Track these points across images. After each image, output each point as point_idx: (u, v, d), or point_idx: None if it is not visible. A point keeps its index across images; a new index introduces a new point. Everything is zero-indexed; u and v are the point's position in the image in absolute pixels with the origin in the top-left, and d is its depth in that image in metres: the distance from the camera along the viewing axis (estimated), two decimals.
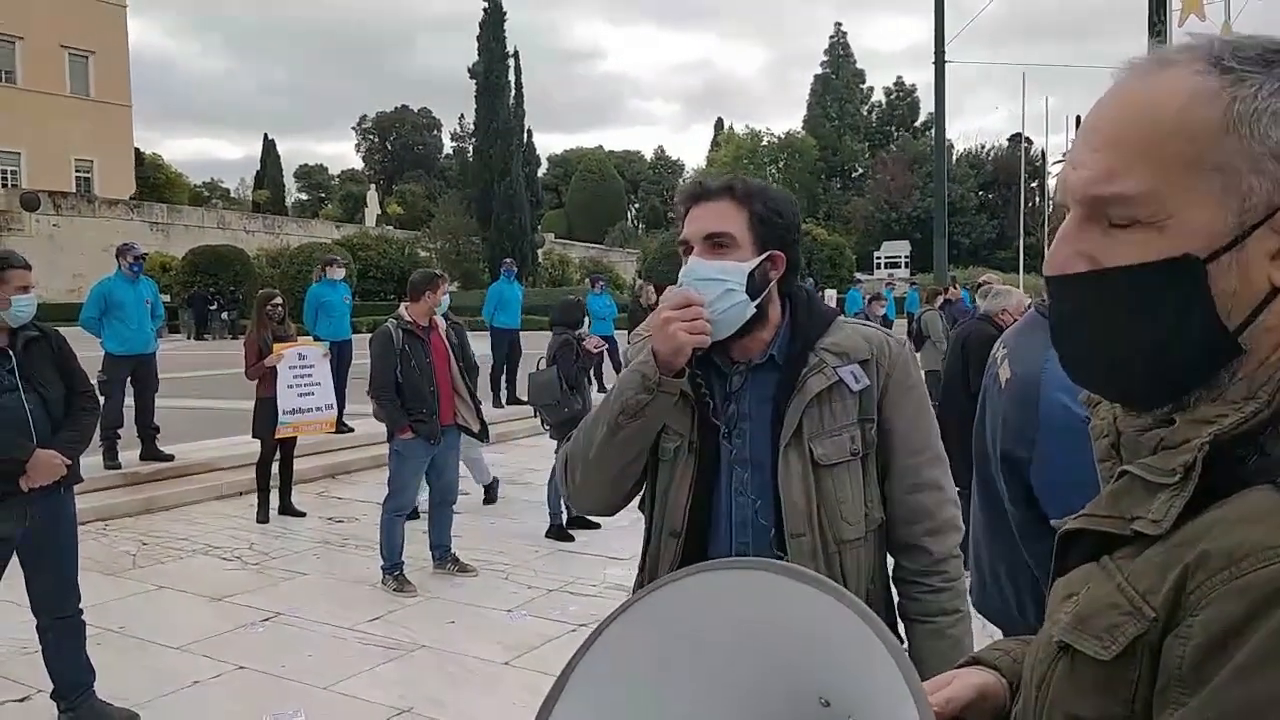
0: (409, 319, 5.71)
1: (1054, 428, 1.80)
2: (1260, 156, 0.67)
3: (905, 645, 1.76)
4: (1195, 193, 0.68)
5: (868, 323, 1.85)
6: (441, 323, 5.93)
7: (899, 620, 1.77)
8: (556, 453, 6.39)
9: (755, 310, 1.66)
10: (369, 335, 6.34)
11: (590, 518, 5.98)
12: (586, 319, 9.32)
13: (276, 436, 7.24)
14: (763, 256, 1.66)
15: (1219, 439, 0.68)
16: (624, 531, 5.84)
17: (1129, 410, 0.80)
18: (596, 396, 7.44)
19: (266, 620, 5.14)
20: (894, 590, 1.79)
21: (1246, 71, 0.68)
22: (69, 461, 3.62)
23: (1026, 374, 1.90)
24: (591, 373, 7.49)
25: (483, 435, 5.99)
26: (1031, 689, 0.78)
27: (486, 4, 46.71)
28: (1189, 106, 0.68)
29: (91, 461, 5.49)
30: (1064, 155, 0.80)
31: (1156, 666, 0.65)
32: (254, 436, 7.41)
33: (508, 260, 14.38)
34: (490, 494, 7.85)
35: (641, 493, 1.81)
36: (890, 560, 1.80)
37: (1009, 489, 1.93)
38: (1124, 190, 0.70)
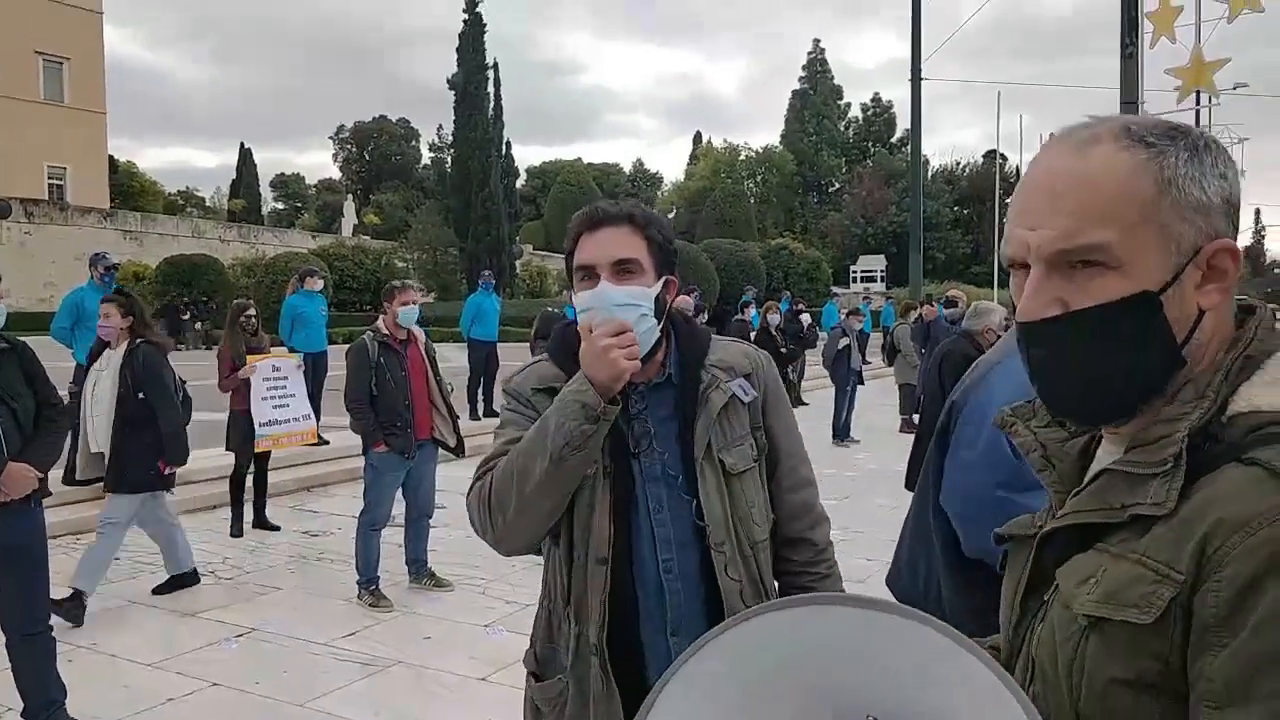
0: (385, 331, 5.69)
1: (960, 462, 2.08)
2: (1185, 210, 0.86)
3: None
4: (1144, 243, 0.86)
5: (736, 339, 1.95)
6: (421, 335, 5.91)
7: None
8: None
9: (659, 334, 1.73)
10: (345, 346, 6.31)
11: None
12: None
13: (256, 449, 7.18)
14: (662, 281, 1.74)
15: (1191, 431, 0.85)
16: None
17: (1084, 426, 0.98)
18: None
19: (240, 636, 5.09)
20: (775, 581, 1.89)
21: (1163, 145, 0.87)
22: (41, 475, 3.57)
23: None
24: None
25: (458, 450, 5.94)
26: (1058, 669, 0.89)
27: (467, 15, 46.70)
28: (1131, 176, 0.86)
29: (59, 474, 5.40)
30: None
31: (1189, 623, 0.79)
32: (228, 449, 7.34)
33: (486, 272, 14.33)
34: None
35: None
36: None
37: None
38: (1093, 241, 0.86)
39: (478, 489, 1.76)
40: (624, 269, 1.69)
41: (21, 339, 3.74)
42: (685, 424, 1.74)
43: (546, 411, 1.67)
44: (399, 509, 6.01)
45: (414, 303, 5.76)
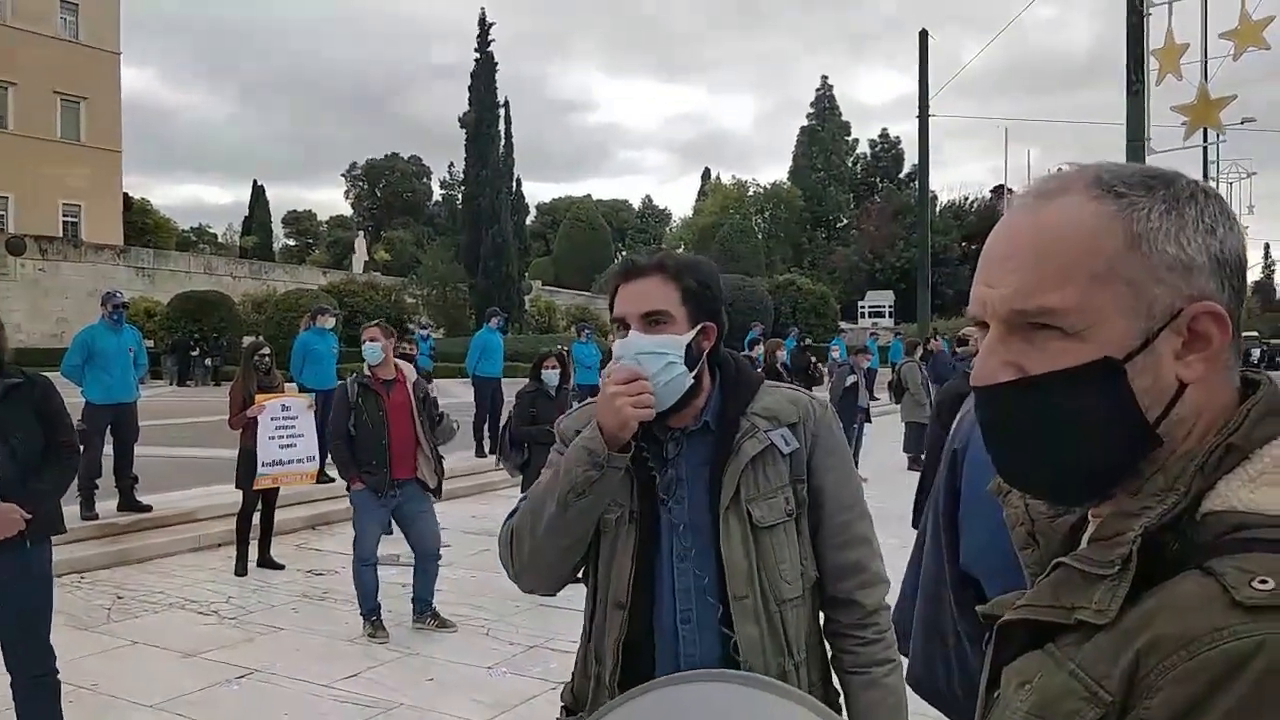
0: (367, 371, 5.79)
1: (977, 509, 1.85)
2: (1159, 268, 0.76)
3: (841, 695, 1.82)
4: (1109, 304, 0.77)
5: (793, 386, 1.92)
6: (410, 375, 5.95)
7: (832, 673, 1.82)
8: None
9: (693, 381, 1.71)
10: None
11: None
12: (572, 368, 9.35)
13: (255, 488, 7.19)
14: (697, 329, 1.72)
15: (1147, 530, 0.74)
16: None
17: (1054, 506, 0.88)
18: None
19: (242, 677, 5.06)
20: (826, 644, 1.84)
21: (1136, 196, 0.78)
22: (28, 515, 3.47)
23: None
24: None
25: (436, 493, 5.97)
26: None
27: (478, 55, 47.30)
28: (1095, 230, 0.77)
29: (68, 512, 5.41)
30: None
31: None
32: (237, 487, 7.36)
33: (497, 310, 14.40)
34: None
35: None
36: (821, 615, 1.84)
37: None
38: (1047, 303, 0.77)
39: (505, 526, 1.81)
40: (653, 319, 1.69)
41: (44, 375, 3.75)
42: (716, 473, 1.72)
43: (563, 456, 1.70)
44: (406, 548, 6.02)
45: (377, 340, 5.82)
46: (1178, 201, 0.78)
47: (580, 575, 1.84)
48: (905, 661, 1.87)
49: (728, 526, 1.70)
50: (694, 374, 1.71)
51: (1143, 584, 0.73)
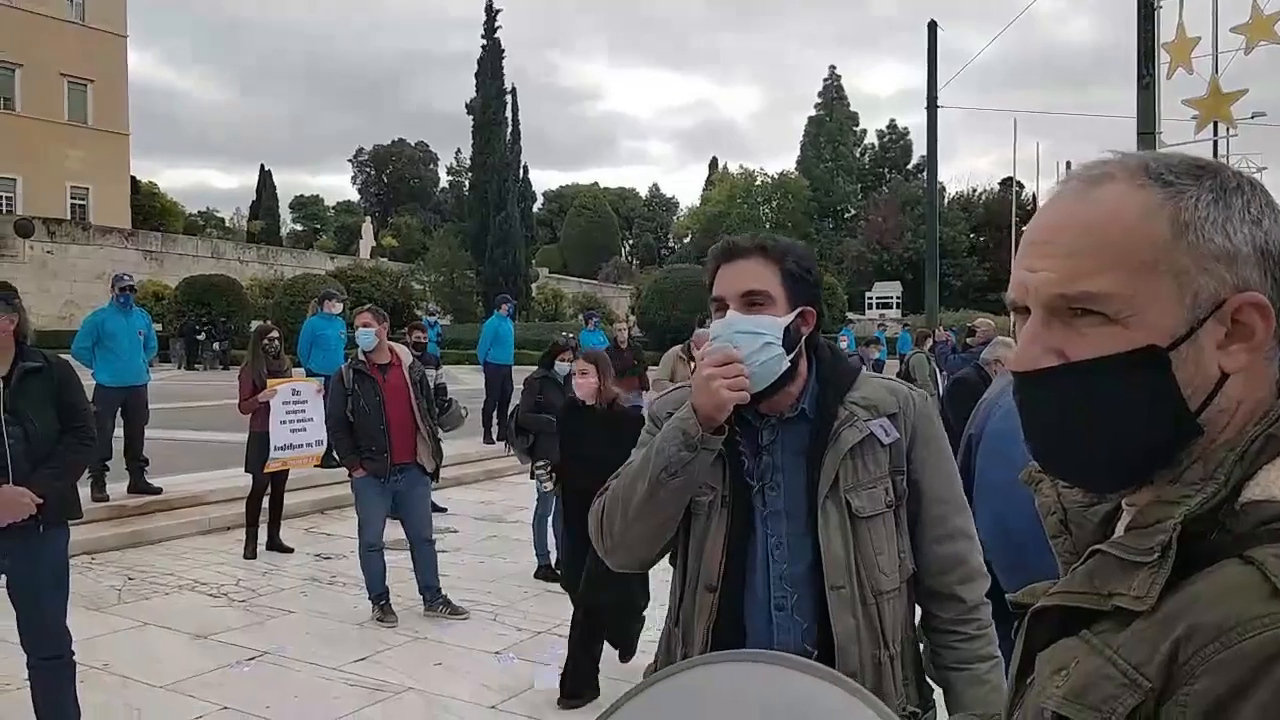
0: (361, 357, 5.80)
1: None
2: (1205, 258, 0.76)
3: (936, 691, 1.80)
4: (1154, 292, 0.76)
5: (891, 377, 1.89)
6: (405, 358, 5.96)
7: (930, 669, 1.79)
8: (540, 490, 6.23)
9: (789, 364, 1.68)
10: None
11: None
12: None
13: (265, 470, 7.23)
14: (796, 312, 1.70)
15: (1187, 518, 0.74)
16: None
17: (1089, 493, 0.87)
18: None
19: (252, 659, 5.09)
20: (921, 640, 1.81)
21: (1184, 185, 0.77)
22: (39, 499, 3.46)
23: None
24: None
25: (434, 476, 5.99)
26: None
27: (485, 42, 47.18)
28: (1143, 218, 0.77)
29: (80, 494, 5.45)
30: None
31: None
32: (246, 471, 7.40)
33: (506, 296, 14.40)
34: None
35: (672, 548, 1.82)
36: (918, 609, 1.82)
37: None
38: (1092, 289, 0.77)
39: (596, 504, 1.80)
40: (752, 300, 1.68)
41: (62, 357, 3.74)
42: (814, 460, 1.70)
43: (656, 436, 1.70)
44: (401, 533, 6.04)
45: (370, 325, 5.81)
46: (1225, 191, 0.78)
47: (669, 557, 1.83)
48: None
49: (826, 515, 1.68)
50: (790, 358, 1.68)
51: (1182, 572, 0.73)
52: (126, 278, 8.47)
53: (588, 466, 3.89)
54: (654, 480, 1.64)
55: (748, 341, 1.64)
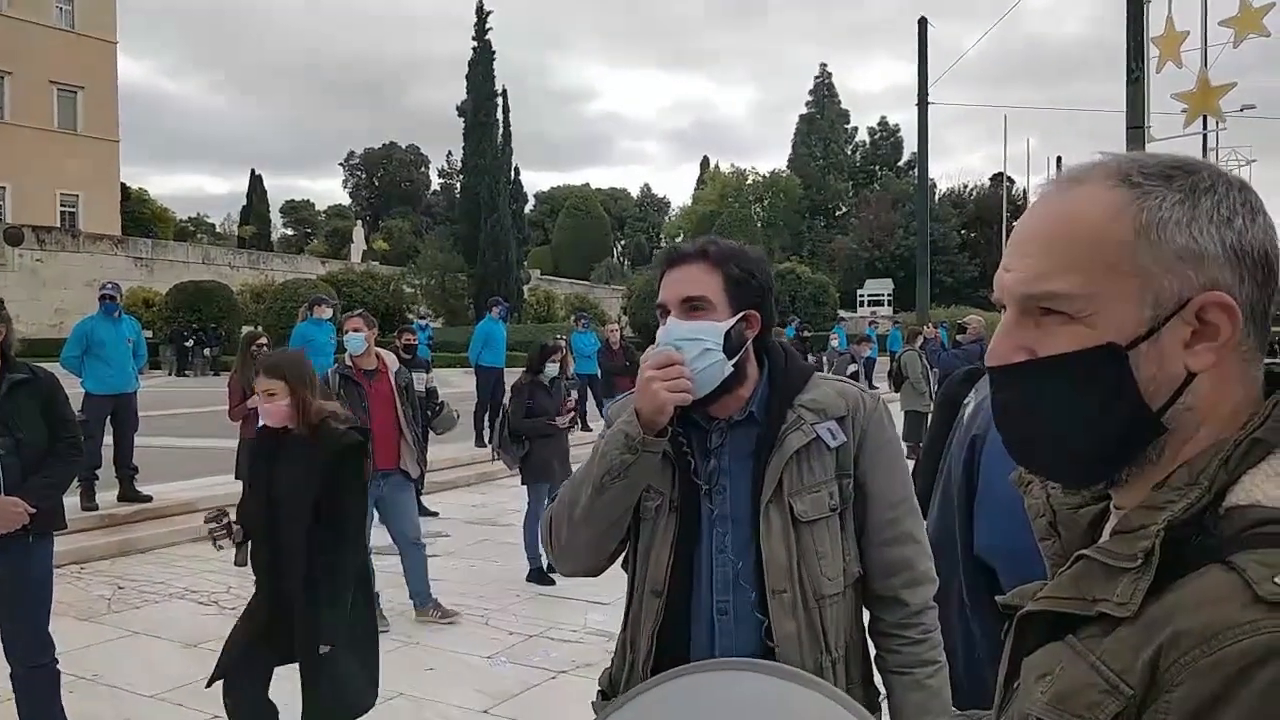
0: (348, 363, 5.78)
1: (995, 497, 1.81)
2: (1168, 258, 0.77)
3: (883, 695, 1.79)
4: (1116, 291, 0.78)
5: (844, 379, 1.88)
6: (392, 364, 5.94)
7: (875, 672, 1.79)
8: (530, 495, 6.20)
9: (733, 369, 1.69)
10: None
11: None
12: (570, 356, 9.35)
13: None
14: (738, 316, 1.70)
15: (1171, 524, 0.74)
16: (605, 576, 5.80)
17: (1065, 489, 0.90)
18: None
19: None
20: (870, 642, 1.81)
21: (1151, 186, 0.78)
22: (31, 510, 3.49)
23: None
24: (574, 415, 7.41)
25: (418, 482, 5.98)
26: None
27: (476, 43, 47.11)
28: (1108, 219, 0.78)
29: (68, 503, 5.41)
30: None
31: None
32: (237, 477, 7.36)
33: (499, 299, 14.38)
34: None
35: (624, 552, 1.83)
36: (866, 612, 1.81)
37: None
38: (1054, 289, 0.79)
39: (547, 509, 1.85)
40: (692, 306, 1.69)
41: (47, 369, 3.75)
42: (759, 465, 1.70)
43: (601, 440, 1.70)
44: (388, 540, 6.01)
45: (359, 330, 5.80)
46: (1194, 192, 0.78)
47: (622, 563, 1.84)
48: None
49: (768, 520, 1.68)
50: (734, 362, 1.69)
51: (1165, 578, 0.73)
52: (109, 286, 8.42)
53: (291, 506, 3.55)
54: (597, 484, 1.66)
55: (689, 348, 1.65)
